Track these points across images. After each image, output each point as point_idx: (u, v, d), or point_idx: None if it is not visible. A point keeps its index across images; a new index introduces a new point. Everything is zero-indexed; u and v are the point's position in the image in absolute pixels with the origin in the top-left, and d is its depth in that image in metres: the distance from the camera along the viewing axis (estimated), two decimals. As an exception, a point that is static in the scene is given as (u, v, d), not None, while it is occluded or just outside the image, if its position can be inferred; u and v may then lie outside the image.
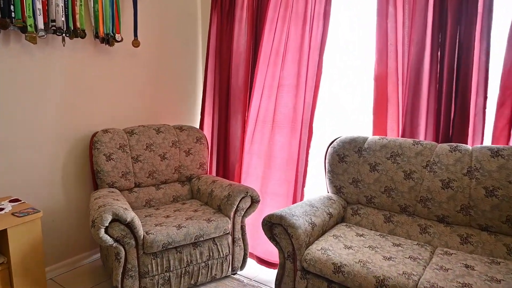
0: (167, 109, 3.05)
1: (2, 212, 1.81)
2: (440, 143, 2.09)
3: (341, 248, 1.86)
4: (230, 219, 2.35)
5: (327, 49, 2.37)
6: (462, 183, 1.90)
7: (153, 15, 2.81)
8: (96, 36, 2.38)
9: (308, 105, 2.42)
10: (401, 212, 2.13)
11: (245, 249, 2.45)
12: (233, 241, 2.40)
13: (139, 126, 2.65)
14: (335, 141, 2.36)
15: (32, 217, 1.79)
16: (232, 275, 2.46)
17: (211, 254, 2.27)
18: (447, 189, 1.94)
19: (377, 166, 2.16)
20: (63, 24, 2.18)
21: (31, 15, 2.04)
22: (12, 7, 1.96)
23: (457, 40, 2.01)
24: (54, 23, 2.15)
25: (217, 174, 3.00)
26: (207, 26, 3.15)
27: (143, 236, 2.04)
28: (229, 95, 2.86)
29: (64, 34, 2.19)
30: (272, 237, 2.00)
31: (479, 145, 1.95)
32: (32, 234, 1.80)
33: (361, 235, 2.03)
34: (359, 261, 1.73)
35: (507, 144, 1.92)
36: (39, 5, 2.05)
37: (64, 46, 2.27)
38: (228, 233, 2.35)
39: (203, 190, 2.63)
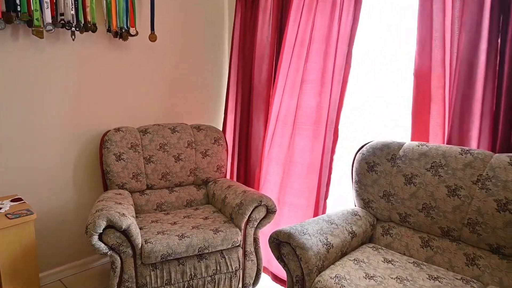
0: (189, 107, 2.89)
1: (-2, 212, 1.75)
2: (497, 153, 1.66)
3: (360, 277, 1.54)
4: (240, 230, 2.11)
5: (357, 39, 2.02)
6: (525, 206, 1.47)
7: (172, 6, 2.65)
8: (109, 30, 2.28)
9: (334, 103, 2.09)
10: (443, 236, 1.74)
11: (258, 264, 2.20)
12: (245, 255, 2.16)
13: (154, 125, 2.51)
14: (364, 147, 2.02)
15: (24, 219, 1.71)
16: (244, 292, 2.22)
17: (218, 268, 2.05)
18: (504, 212, 1.52)
19: (414, 178, 1.79)
20: (73, 18, 2.09)
21: (38, 8, 1.96)
22: (18, 0, 1.90)
23: (524, 22, 1.57)
24: (62, 17, 2.07)
25: (237, 179, 2.77)
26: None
27: (141, 245, 1.88)
28: (251, 92, 2.62)
29: (73, 28, 2.10)
30: (280, 257, 1.73)
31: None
32: (23, 236, 1.72)
33: (389, 261, 1.68)
34: (379, 297, 1.40)
35: None
36: (46, -2, 1.97)
37: (73, 40, 2.19)
38: (238, 246, 2.12)
39: (218, 196, 2.42)
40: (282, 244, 1.69)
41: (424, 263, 1.69)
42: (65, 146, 2.27)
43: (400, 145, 1.90)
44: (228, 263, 2.08)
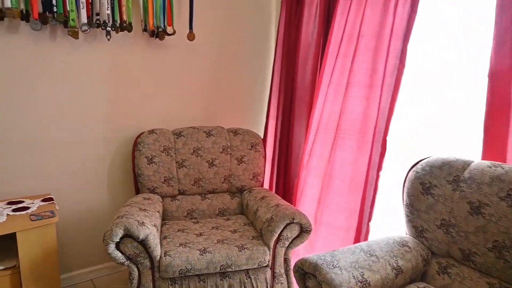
0: (228, 110, 2.74)
1: (24, 212, 1.76)
2: None
3: (401, 330, 1.23)
4: (269, 249, 1.89)
5: (413, 34, 1.68)
6: None
7: (214, 3, 2.52)
8: (145, 29, 2.21)
9: (384, 110, 1.77)
10: (520, 287, 1.34)
11: (289, 288, 1.97)
12: (273, 276, 1.94)
13: (189, 127, 2.41)
14: (419, 163, 1.67)
15: (45, 222, 1.69)
16: (272, 317, 2.00)
17: (242, 288, 1.87)
18: None
19: (483, 208, 1.41)
20: (108, 18, 2.06)
21: (74, 8, 1.95)
22: (54, 1, 1.90)
23: None
24: (98, 17, 2.04)
25: (276, 189, 2.56)
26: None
27: (160, 257, 1.77)
28: (293, 95, 2.38)
29: (109, 28, 2.07)
30: (305, 290, 1.48)
31: None
32: (44, 239, 1.70)
33: (443, 311, 1.34)
34: None
35: None
36: (82, -2, 1.96)
37: (109, 40, 2.16)
38: (266, 266, 1.90)
39: (251, 207, 2.23)
40: (308, 276, 1.44)
41: (491, 318, 1.32)
42: (101, 147, 2.26)
43: (466, 164, 1.53)
44: (255, 285, 1.87)
